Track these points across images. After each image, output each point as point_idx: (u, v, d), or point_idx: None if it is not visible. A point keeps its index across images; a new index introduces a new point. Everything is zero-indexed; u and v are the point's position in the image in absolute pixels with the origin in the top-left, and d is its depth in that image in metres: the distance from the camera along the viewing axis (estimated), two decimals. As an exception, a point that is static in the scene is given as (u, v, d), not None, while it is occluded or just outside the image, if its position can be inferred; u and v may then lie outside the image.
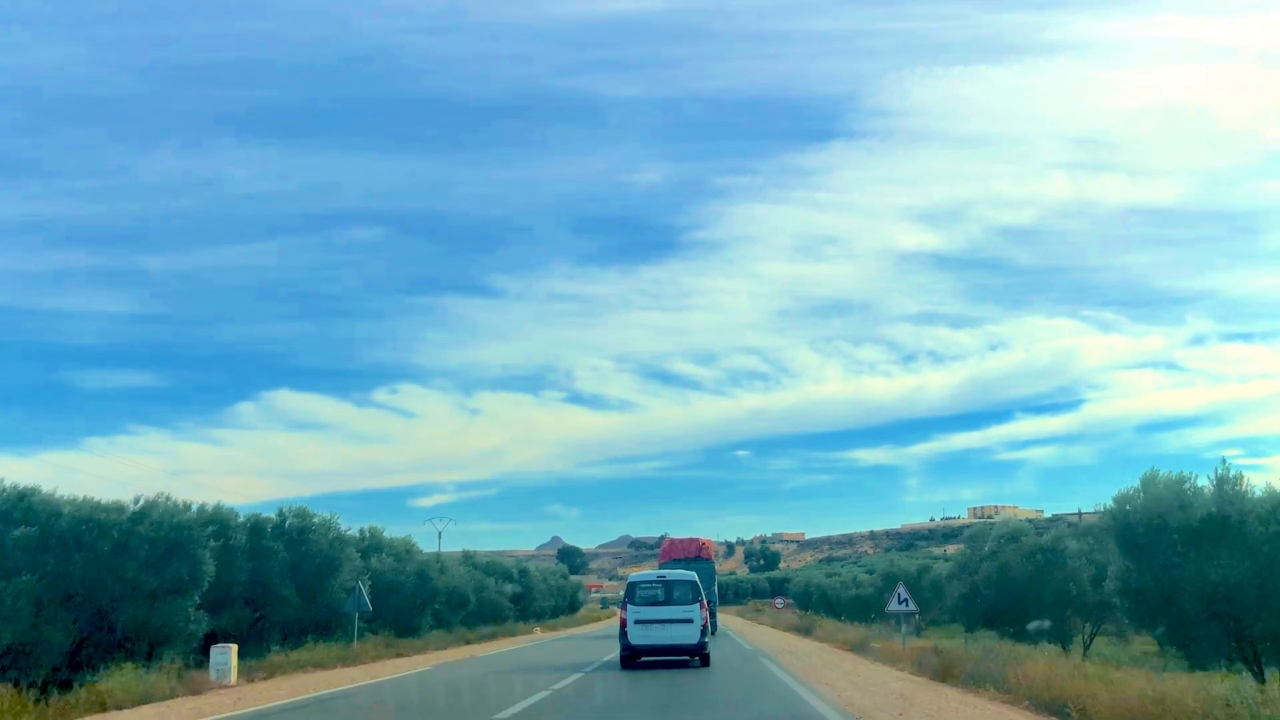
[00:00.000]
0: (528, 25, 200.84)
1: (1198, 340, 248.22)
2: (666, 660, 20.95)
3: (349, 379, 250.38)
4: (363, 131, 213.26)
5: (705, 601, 21.10)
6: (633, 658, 20.68)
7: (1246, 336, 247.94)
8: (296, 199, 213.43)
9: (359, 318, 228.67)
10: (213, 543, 20.45)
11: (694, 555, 37.45)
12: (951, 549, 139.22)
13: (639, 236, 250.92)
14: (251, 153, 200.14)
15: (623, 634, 20.59)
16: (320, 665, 22.75)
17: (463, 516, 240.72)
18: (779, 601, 52.27)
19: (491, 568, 49.43)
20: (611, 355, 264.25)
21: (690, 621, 20.31)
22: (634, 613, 20.55)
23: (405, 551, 36.54)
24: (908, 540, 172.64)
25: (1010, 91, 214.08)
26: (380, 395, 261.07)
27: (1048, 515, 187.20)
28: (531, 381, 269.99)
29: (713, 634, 36.78)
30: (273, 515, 25.83)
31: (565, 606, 70.57)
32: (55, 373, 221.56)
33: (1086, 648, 29.65)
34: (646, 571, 25.50)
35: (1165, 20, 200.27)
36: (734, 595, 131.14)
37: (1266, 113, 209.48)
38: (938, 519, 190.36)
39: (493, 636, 40.72)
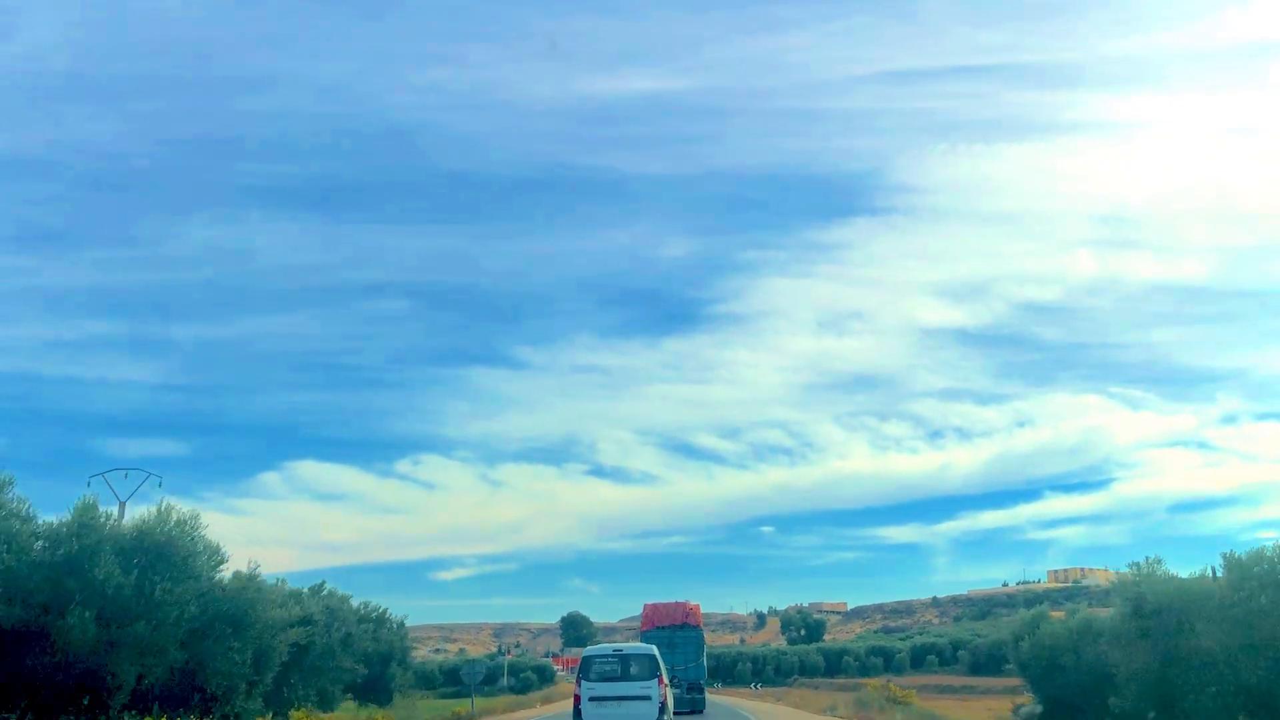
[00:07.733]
0: (554, 103, 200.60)
1: (1229, 419, 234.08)
2: None
3: (373, 450, 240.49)
4: (392, 205, 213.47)
5: (665, 678, 20.73)
6: None
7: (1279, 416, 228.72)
8: (325, 271, 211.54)
9: (384, 388, 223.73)
10: None
11: (680, 622, 33.08)
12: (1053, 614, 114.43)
13: (663, 309, 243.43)
14: (281, 225, 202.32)
15: (576, 712, 20.38)
16: None
17: (484, 591, 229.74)
18: None
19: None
20: (635, 428, 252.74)
21: (648, 699, 20.06)
22: (588, 689, 20.32)
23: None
24: (982, 608, 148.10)
25: (1033, 169, 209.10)
26: (403, 466, 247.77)
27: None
28: (554, 454, 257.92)
29: (700, 712, 33.36)
30: None
31: (370, 678, 35.78)
32: (82, 441, 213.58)
33: None
34: (602, 646, 24.47)
35: (1186, 99, 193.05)
36: (775, 673, 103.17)
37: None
38: (1013, 584, 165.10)
39: None
